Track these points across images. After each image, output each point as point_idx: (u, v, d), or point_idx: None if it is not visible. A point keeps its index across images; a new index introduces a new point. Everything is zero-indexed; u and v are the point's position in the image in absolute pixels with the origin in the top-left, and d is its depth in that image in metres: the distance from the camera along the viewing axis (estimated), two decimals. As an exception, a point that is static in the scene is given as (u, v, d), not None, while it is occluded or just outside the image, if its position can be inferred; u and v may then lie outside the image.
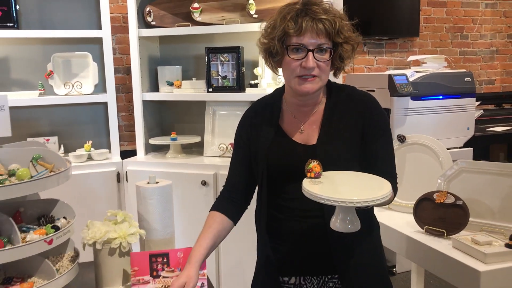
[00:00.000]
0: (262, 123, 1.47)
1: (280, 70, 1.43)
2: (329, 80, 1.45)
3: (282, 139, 1.43)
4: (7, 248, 1.34)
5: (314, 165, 1.25)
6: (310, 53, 1.31)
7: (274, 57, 1.39)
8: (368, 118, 1.40)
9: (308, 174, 1.26)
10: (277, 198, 1.44)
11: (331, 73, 1.44)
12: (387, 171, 1.39)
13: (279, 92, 1.51)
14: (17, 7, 2.79)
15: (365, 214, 1.29)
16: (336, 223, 1.22)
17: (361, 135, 1.39)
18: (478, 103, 3.72)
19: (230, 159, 1.58)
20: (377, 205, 1.25)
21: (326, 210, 1.34)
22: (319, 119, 1.42)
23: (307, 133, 1.42)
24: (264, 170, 1.42)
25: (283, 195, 1.43)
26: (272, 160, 1.41)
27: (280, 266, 1.45)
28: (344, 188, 1.22)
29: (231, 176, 1.54)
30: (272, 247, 1.45)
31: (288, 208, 1.42)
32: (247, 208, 1.56)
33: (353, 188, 1.22)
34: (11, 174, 1.44)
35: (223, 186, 1.57)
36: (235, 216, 1.52)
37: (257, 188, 1.53)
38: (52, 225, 1.49)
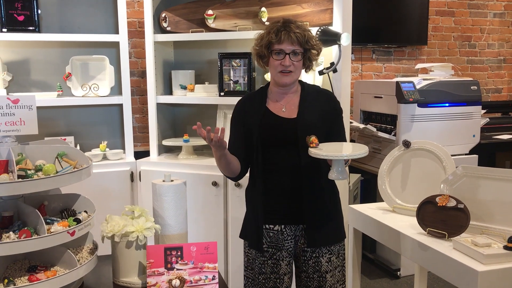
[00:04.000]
0: (252, 107, 1.97)
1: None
2: (303, 81, 2.02)
3: (269, 115, 1.94)
4: (34, 238, 1.44)
5: (313, 138, 1.78)
6: (287, 56, 1.85)
7: (263, 59, 1.94)
8: (331, 105, 1.99)
9: (311, 145, 1.78)
10: (266, 163, 1.91)
11: (303, 71, 1.97)
12: (342, 138, 2.00)
13: (264, 88, 2.02)
14: (39, 11, 2.90)
15: (328, 181, 1.87)
16: (333, 174, 1.76)
17: (326, 116, 1.94)
18: (485, 111, 3.77)
19: None
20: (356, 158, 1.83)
21: (304, 174, 1.88)
22: (296, 102, 1.95)
23: (288, 111, 1.94)
24: (258, 137, 1.89)
25: (271, 159, 1.91)
26: (263, 129, 1.90)
27: (268, 217, 1.94)
28: (336, 150, 1.79)
29: (230, 148, 1.93)
30: (262, 202, 1.92)
31: (274, 170, 1.91)
32: (245, 175, 2.01)
33: (342, 149, 1.82)
34: (38, 169, 1.54)
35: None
36: (241, 169, 1.97)
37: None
38: (74, 218, 1.58)
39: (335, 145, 1.86)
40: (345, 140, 2.01)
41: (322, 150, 1.75)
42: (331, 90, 2.54)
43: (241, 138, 1.96)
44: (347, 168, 1.93)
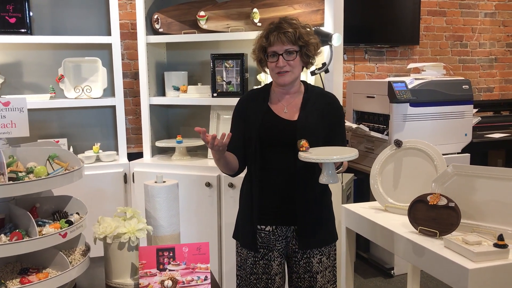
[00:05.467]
0: (255, 104, 1.97)
1: (268, 70, 1.98)
2: (307, 83, 2.03)
3: (271, 115, 1.94)
4: (25, 240, 1.44)
5: (304, 142, 1.77)
6: (280, 56, 1.85)
7: (261, 63, 1.96)
8: (333, 109, 1.98)
9: (301, 149, 1.77)
10: (263, 162, 1.91)
11: (308, 74, 1.96)
12: (341, 143, 1.98)
13: (268, 85, 2.03)
14: (31, 14, 2.89)
15: (324, 185, 1.90)
16: (323, 178, 1.74)
17: (327, 119, 1.94)
18: (476, 110, 3.80)
19: None
20: (341, 171, 1.90)
21: (298, 176, 1.89)
22: (298, 104, 1.95)
23: (290, 113, 1.94)
24: (257, 136, 1.90)
25: (268, 159, 1.91)
26: (263, 128, 1.90)
27: (260, 217, 1.94)
28: (326, 153, 1.76)
29: (229, 145, 1.84)
30: (257, 201, 1.93)
31: (270, 169, 1.90)
32: (243, 171, 2.02)
33: (331, 153, 1.77)
34: (29, 171, 1.54)
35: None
36: (239, 166, 1.98)
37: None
38: (66, 220, 1.58)
39: (325, 149, 1.85)
40: (343, 144, 2.00)
41: (312, 153, 1.74)
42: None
43: (241, 135, 1.96)
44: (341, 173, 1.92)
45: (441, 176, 1.94)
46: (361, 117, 3.89)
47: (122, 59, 3.30)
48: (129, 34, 3.72)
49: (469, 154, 3.63)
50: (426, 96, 3.44)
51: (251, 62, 2.99)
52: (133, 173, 2.93)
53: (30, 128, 1.64)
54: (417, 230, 1.86)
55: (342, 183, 3.04)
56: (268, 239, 1.96)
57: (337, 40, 2.47)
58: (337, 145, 1.94)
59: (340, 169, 1.90)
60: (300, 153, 1.76)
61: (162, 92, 3.21)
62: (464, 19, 4.74)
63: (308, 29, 1.90)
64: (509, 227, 1.76)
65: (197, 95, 3.03)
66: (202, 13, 2.92)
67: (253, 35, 2.77)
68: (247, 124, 1.95)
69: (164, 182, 1.80)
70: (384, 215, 2.12)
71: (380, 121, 3.61)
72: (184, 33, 3.01)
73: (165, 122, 3.33)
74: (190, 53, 3.25)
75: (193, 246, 1.59)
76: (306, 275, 1.98)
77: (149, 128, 3.09)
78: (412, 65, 4.05)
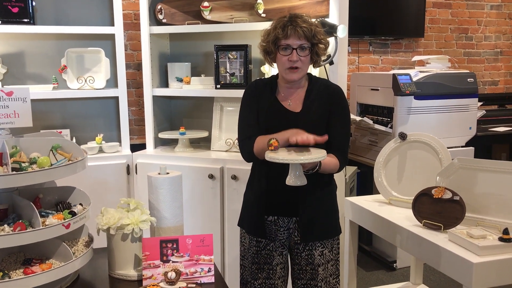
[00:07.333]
0: (263, 94, 1.98)
1: (274, 64, 1.97)
2: (311, 74, 2.02)
3: (277, 105, 1.95)
4: (28, 230, 1.43)
5: (273, 141, 1.74)
6: (294, 51, 1.83)
7: (269, 55, 1.93)
8: (335, 101, 1.95)
9: (269, 148, 1.74)
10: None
11: (311, 66, 1.97)
12: (337, 142, 1.93)
13: (274, 77, 2.02)
14: (33, 3, 2.87)
15: (325, 176, 1.94)
16: (290, 180, 1.74)
17: (328, 112, 1.93)
18: (481, 103, 3.78)
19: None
20: (323, 171, 1.86)
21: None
22: (302, 97, 1.95)
23: (293, 105, 1.95)
24: (263, 124, 1.92)
25: None
26: (269, 117, 1.92)
27: (264, 207, 1.95)
28: (293, 155, 1.72)
29: (249, 127, 1.95)
30: (263, 190, 1.95)
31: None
32: None
33: (298, 155, 1.72)
34: (33, 162, 1.53)
35: (241, 140, 1.99)
36: None
37: None
38: (69, 210, 1.58)
39: (294, 149, 1.79)
40: (344, 140, 1.97)
41: (278, 154, 1.71)
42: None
43: (256, 118, 1.97)
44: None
45: (446, 170, 1.93)
46: (365, 109, 3.87)
47: (125, 50, 3.29)
48: (132, 24, 3.69)
49: (473, 148, 3.61)
50: (430, 89, 3.42)
51: (255, 54, 2.99)
52: (136, 165, 2.93)
53: (33, 119, 1.63)
54: (421, 223, 1.86)
55: (345, 176, 3.03)
56: (270, 229, 1.97)
57: (342, 31, 2.45)
58: (337, 136, 1.91)
59: (317, 169, 1.83)
60: (266, 152, 1.74)
61: (165, 84, 3.20)
62: (470, 11, 4.69)
63: (320, 29, 1.89)
64: (514, 221, 1.75)
65: (200, 87, 3.02)
66: (205, 3, 2.90)
67: (257, 26, 2.77)
68: (258, 109, 1.96)
69: (167, 173, 1.79)
70: (388, 208, 2.11)
71: (384, 114, 3.59)
72: (187, 24, 2.99)
73: (168, 114, 3.32)
74: (193, 44, 3.23)
75: (196, 238, 1.58)
76: (307, 267, 1.98)
77: (152, 120, 3.08)
78: (416, 58, 4.02)
